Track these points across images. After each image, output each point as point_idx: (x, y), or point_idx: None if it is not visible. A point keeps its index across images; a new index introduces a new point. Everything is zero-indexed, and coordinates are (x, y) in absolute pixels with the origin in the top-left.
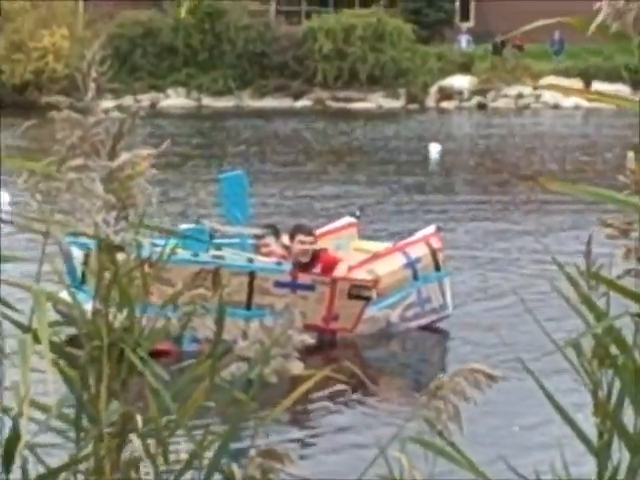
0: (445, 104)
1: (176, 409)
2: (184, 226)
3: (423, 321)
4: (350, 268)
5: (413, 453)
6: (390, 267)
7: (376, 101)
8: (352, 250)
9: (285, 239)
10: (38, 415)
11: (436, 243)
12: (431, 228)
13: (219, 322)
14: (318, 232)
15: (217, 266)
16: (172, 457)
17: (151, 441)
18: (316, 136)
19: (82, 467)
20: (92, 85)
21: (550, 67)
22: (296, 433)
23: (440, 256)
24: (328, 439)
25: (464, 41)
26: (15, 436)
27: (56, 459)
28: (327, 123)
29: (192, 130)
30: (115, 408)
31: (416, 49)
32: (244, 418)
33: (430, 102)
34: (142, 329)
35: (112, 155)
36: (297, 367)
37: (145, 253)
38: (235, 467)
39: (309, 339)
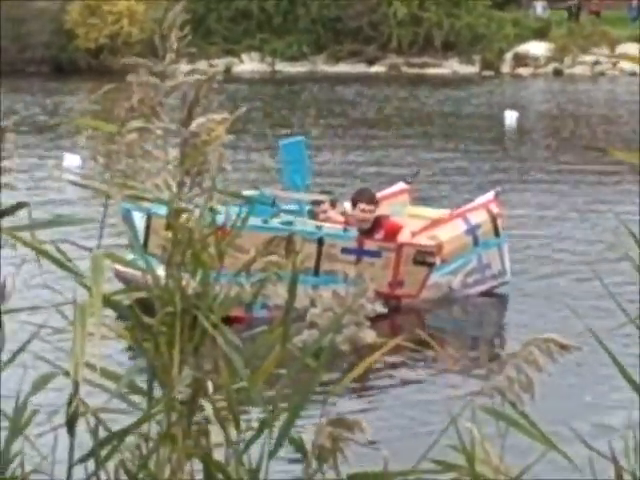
0: (521, 70)
1: (247, 376)
2: (247, 192)
3: (483, 287)
4: (412, 234)
5: (484, 421)
6: (452, 233)
7: (451, 67)
8: (406, 216)
9: (342, 206)
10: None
11: (496, 209)
12: (490, 194)
13: (291, 289)
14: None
15: (290, 233)
16: (243, 424)
17: (222, 408)
18: (388, 101)
19: (153, 433)
20: (171, 49)
21: (627, 33)
22: (365, 401)
23: (500, 222)
24: (397, 407)
25: (539, 7)
26: (72, 401)
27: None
28: (401, 89)
29: (263, 95)
30: (187, 374)
31: (492, 15)
32: (315, 385)
33: (505, 68)
34: (215, 295)
35: (188, 120)
36: (370, 336)
37: (219, 219)
38: (305, 435)
39: (381, 308)
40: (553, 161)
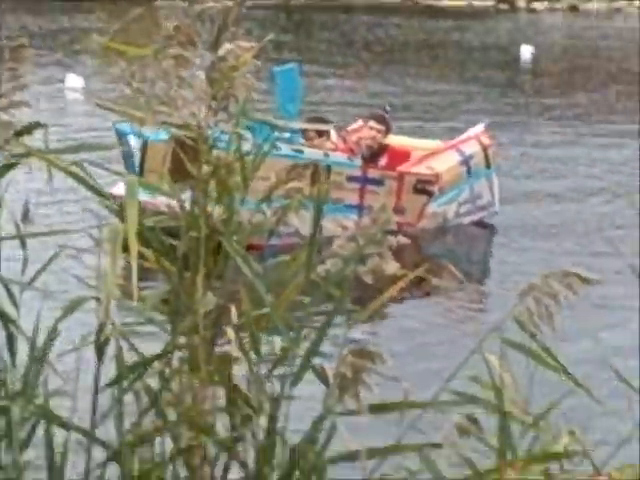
0: (536, 5)
1: (270, 302)
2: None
3: (474, 217)
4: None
5: (503, 352)
6: (447, 164)
7: None
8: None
9: (332, 134)
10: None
11: (487, 140)
12: (481, 126)
13: (316, 218)
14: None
15: (314, 161)
16: (265, 352)
17: (244, 334)
18: (400, 32)
19: (176, 359)
20: None
21: None
22: (384, 332)
23: (490, 153)
24: (416, 338)
25: None
26: (104, 324)
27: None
28: (413, 19)
29: (275, 23)
30: (210, 299)
31: None
32: (338, 314)
33: (521, 2)
34: (240, 222)
35: (216, 45)
36: (392, 267)
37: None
38: (326, 364)
39: (404, 239)
40: (564, 97)
